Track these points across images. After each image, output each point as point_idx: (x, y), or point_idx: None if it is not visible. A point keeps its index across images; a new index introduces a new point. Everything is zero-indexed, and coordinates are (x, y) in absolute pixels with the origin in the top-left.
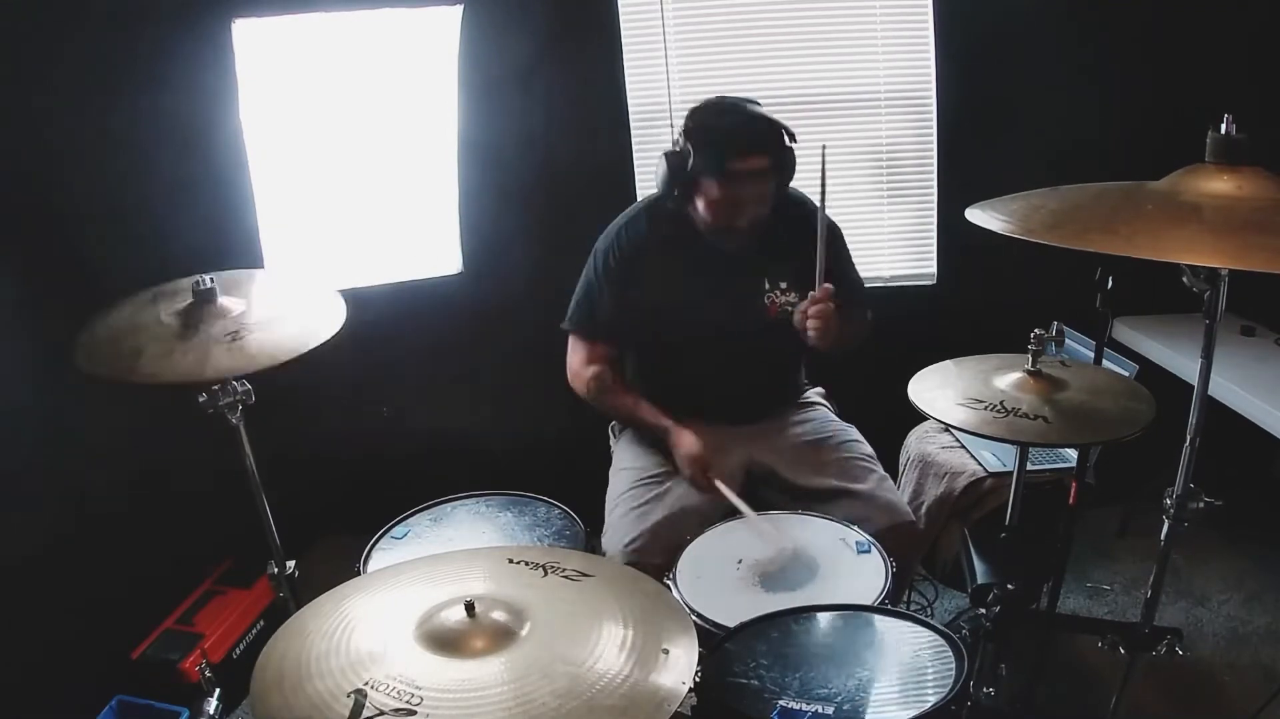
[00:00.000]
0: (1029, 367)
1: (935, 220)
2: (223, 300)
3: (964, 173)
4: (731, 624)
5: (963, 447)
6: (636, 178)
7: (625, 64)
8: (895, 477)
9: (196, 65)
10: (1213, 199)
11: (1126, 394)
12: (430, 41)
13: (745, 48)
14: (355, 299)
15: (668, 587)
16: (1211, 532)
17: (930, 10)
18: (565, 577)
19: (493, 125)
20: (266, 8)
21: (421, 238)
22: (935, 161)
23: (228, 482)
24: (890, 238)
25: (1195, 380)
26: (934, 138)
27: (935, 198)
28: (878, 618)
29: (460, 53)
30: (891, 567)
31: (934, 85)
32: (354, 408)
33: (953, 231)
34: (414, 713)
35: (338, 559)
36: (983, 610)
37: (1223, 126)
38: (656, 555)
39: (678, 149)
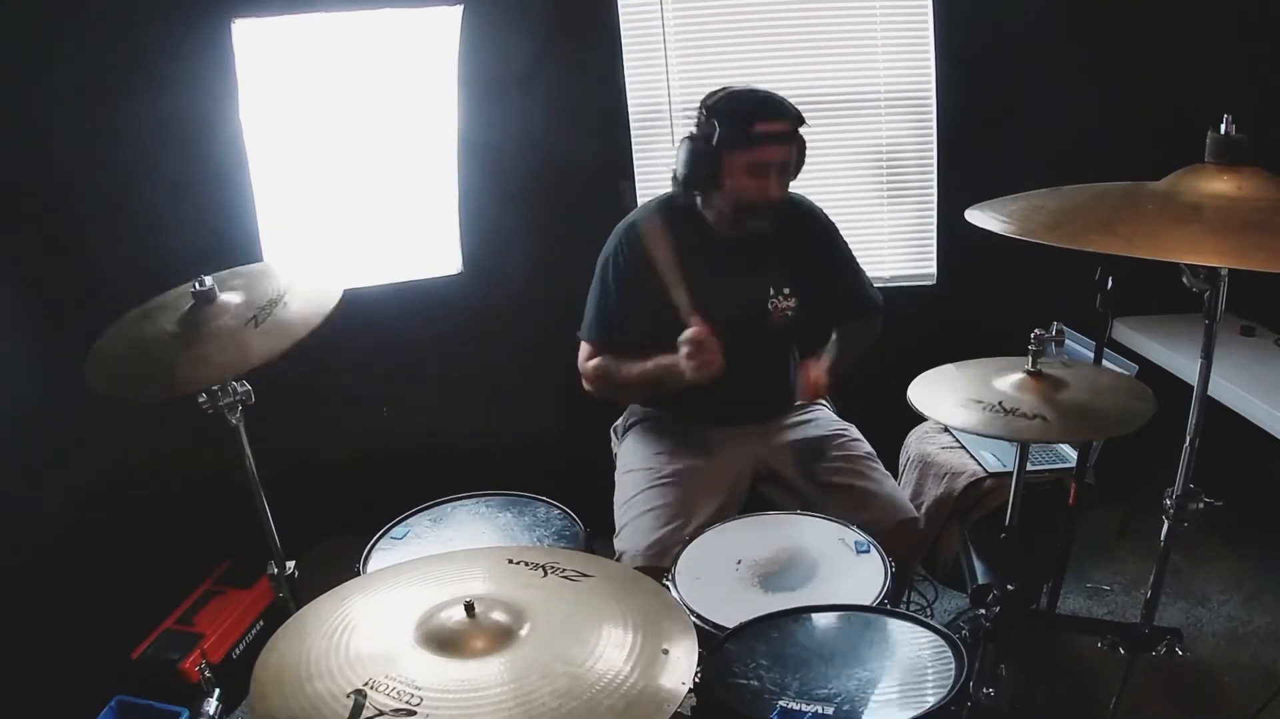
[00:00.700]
0: (1029, 367)
1: (935, 220)
2: (223, 298)
3: (964, 173)
4: (731, 625)
5: (962, 447)
6: (636, 178)
7: (625, 64)
8: (895, 477)
9: (196, 65)
10: (1213, 199)
11: (1126, 392)
12: (430, 41)
13: (745, 48)
14: (355, 299)
15: (667, 587)
16: (1211, 532)
17: (930, 10)
18: (565, 577)
19: (493, 125)
20: (266, 8)
21: (421, 238)
22: (935, 161)
23: (228, 482)
24: (890, 238)
25: (1195, 380)
26: (934, 138)
27: (935, 198)
28: (878, 618)
29: (460, 53)
30: (891, 567)
31: (934, 85)
32: (354, 408)
33: (953, 232)
34: (414, 713)
35: (338, 559)
36: (983, 611)
37: (1222, 127)
38: (670, 559)
39: (699, 130)
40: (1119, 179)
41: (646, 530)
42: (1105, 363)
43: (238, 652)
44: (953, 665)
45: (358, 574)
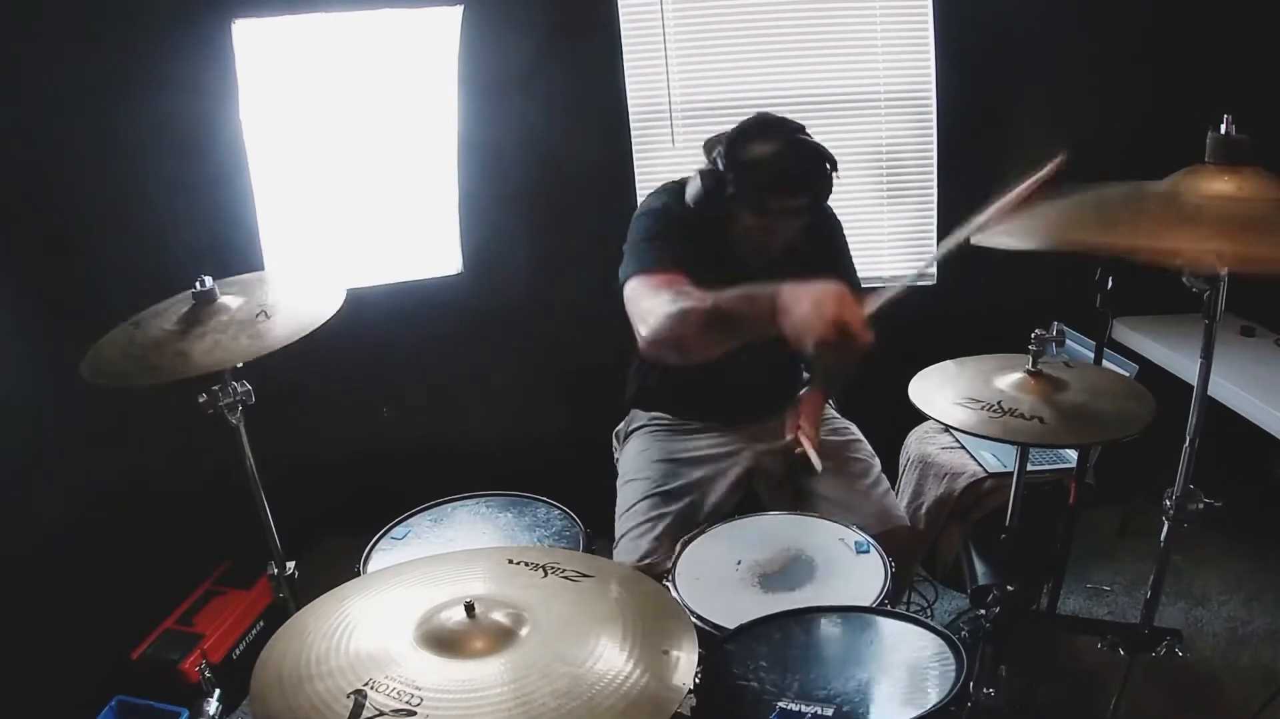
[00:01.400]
0: (1029, 367)
1: (935, 220)
2: (223, 299)
3: (964, 173)
4: (730, 625)
5: (963, 447)
6: (637, 178)
7: (625, 64)
8: (895, 477)
9: (196, 65)
10: (1212, 201)
11: (1126, 394)
12: (430, 41)
13: (745, 48)
14: (355, 299)
15: (667, 587)
16: (1211, 532)
17: (930, 10)
18: (565, 577)
19: (493, 125)
20: (266, 8)
21: (421, 238)
22: (935, 161)
23: (228, 482)
24: (890, 238)
25: (1195, 381)
26: (934, 138)
27: (935, 198)
28: (877, 619)
29: (460, 53)
30: (891, 567)
31: (934, 85)
32: (354, 408)
33: (953, 232)
34: (414, 713)
35: (338, 559)
36: (983, 611)
37: (1223, 127)
38: (667, 564)
39: (716, 170)
40: (1119, 179)
41: (643, 543)
42: (1105, 363)
43: (238, 652)
44: (953, 666)
45: (358, 574)
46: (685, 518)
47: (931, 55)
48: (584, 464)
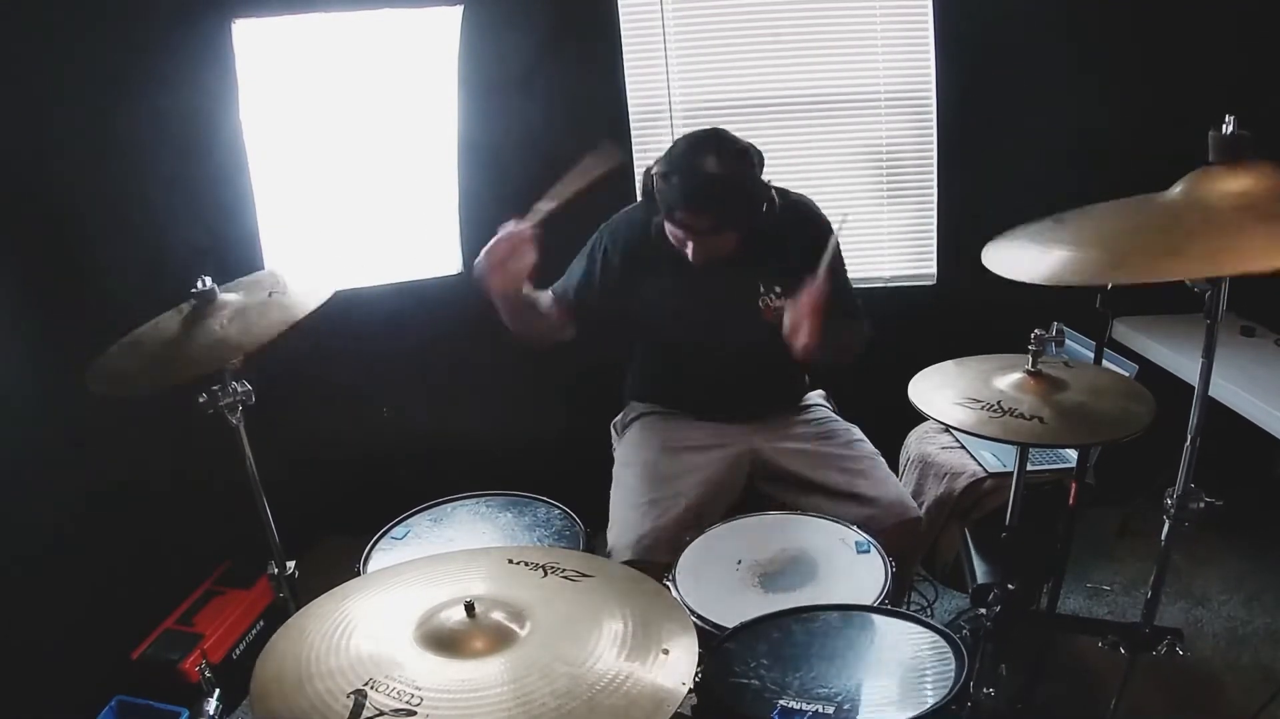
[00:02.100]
0: (1029, 367)
1: (935, 220)
2: (223, 296)
3: (964, 173)
4: (731, 625)
5: (963, 447)
6: (636, 178)
7: (625, 64)
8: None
9: (196, 65)
10: (1222, 201)
11: (1126, 394)
12: (430, 41)
13: (745, 48)
14: (355, 299)
15: (667, 587)
16: (1212, 532)
17: (930, 10)
18: (565, 577)
19: (493, 125)
20: (266, 8)
21: (421, 238)
22: (935, 161)
23: (228, 482)
24: (890, 238)
25: (1195, 381)
26: (934, 138)
27: (935, 198)
28: (878, 618)
29: (460, 53)
30: (891, 567)
31: (934, 85)
32: (354, 408)
33: (953, 232)
34: (414, 713)
35: (338, 559)
36: (983, 610)
37: (1224, 127)
38: (663, 553)
39: (652, 173)
40: (1119, 178)
41: (636, 524)
42: (1105, 363)
43: (238, 652)
44: (953, 665)
45: (358, 574)
46: (683, 504)
47: (931, 55)
48: (584, 463)
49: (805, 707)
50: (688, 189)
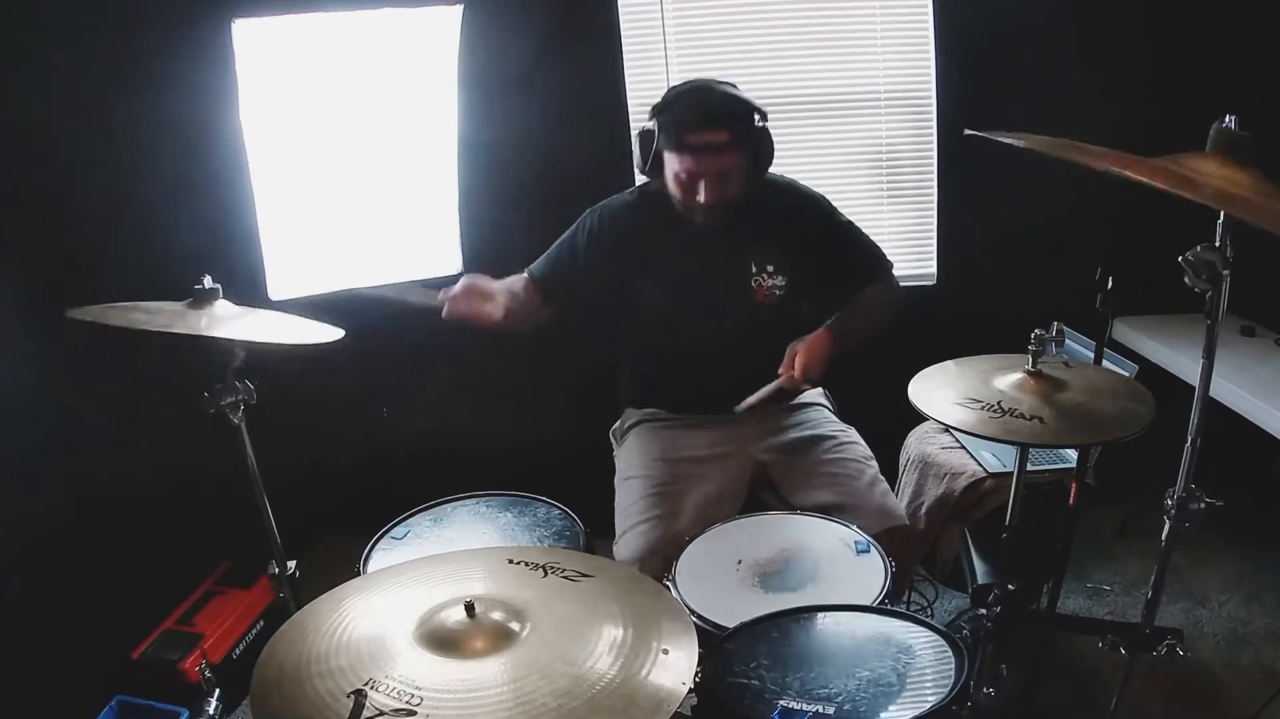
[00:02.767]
0: (1029, 367)
1: (935, 220)
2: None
3: (964, 173)
4: (731, 625)
5: (963, 447)
6: (636, 178)
7: (625, 64)
8: (895, 477)
9: (196, 65)
10: (1211, 179)
11: (1126, 395)
12: (430, 41)
13: (745, 48)
14: (356, 299)
15: (667, 587)
16: (1212, 532)
17: (930, 10)
18: (565, 577)
19: (493, 125)
20: (266, 8)
21: (421, 238)
22: (935, 161)
23: (228, 482)
24: (890, 238)
25: (1195, 381)
26: (934, 138)
27: (935, 198)
28: (878, 618)
29: (460, 53)
30: (891, 567)
31: (934, 85)
32: (354, 408)
33: (953, 232)
34: (414, 713)
35: (338, 559)
36: (983, 610)
37: (1227, 123)
38: (670, 568)
39: (647, 125)
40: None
41: (643, 539)
42: (1105, 363)
43: (238, 652)
44: (953, 665)
45: (358, 574)
46: (684, 515)
47: (931, 55)
48: (584, 464)
49: (805, 707)
50: (695, 108)
